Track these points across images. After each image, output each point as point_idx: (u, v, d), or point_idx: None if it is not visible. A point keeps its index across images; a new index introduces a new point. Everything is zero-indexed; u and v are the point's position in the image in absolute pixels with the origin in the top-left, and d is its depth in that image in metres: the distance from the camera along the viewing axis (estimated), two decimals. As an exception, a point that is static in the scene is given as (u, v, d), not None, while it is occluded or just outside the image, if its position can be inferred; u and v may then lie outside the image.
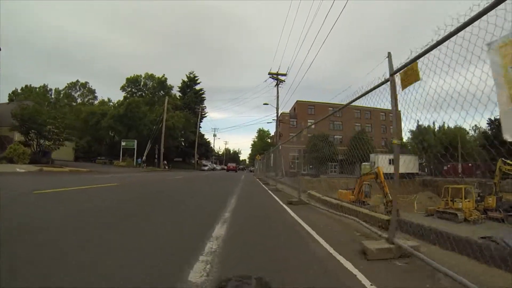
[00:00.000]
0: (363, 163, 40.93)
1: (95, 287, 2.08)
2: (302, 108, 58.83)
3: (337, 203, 7.86)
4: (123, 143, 35.43)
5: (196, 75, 66.13)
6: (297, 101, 59.61)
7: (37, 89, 56.45)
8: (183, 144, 56.19)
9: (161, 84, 46.03)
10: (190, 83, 64.92)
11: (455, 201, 17.99)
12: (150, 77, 47.10)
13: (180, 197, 8.57)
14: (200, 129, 66.67)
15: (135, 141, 35.34)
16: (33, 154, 21.79)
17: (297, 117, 57.64)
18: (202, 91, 66.12)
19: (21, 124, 23.03)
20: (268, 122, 39.02)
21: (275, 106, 33.93)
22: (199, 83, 66.42)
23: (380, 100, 4.11)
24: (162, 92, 45.58)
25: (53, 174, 15.82)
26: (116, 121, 37.35)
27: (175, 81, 67.42)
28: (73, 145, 38.62)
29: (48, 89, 59.14)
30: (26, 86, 53.87)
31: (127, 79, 46.88)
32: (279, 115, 33.87)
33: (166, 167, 37.93)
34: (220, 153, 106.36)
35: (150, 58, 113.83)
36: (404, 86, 3.15)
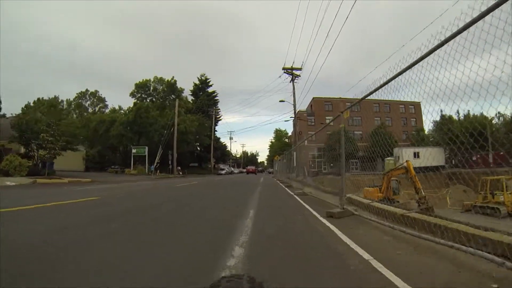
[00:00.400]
0: (387, 158, 37.61)
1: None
2: (319, 105, 55.94)
3: (400, 212, 5.11)
4: (133, 150, 33.63)
5: (208, 77, 64.34)
6: (313, 98, 56.61)
7: (46, 101, 56.08)
8: (198, 149, 54.25)
9: (171, 87, 44.08)
10: (202, 85, 63.05)
11: (495, 194, 16.16)
12: (159, 80, 45.38)
13: (177, 217, 5.93)
14: (216, 132, 64.91)
15: (146, 147, 33.41)
16: (33, 166, 20.10)
17: (314, 114, 54.68)
18: (215, 94, 64.14)
19: (20, 134, 21.42)
20: (285, 120, 37.05)
21: (292, 103, 31.14)
22: (211, 85, 64.56)
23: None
24: (172, 96, 43.75)
25: (44, 187, 13.79)
26: (126, 128, 35.61)
27: (186, 85, 65.76)
28: (82, 154, 37.21)
29: (60, 100, 59.00)
30: (38, 99, 53.48)
31: (136, 85, 45.35)
32: (296, 112, 31.04)
33: (180, 173, 35.79)
34: (237, 156, 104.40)
35: (159, 63, 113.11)
36: None
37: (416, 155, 34.23)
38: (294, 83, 31.79)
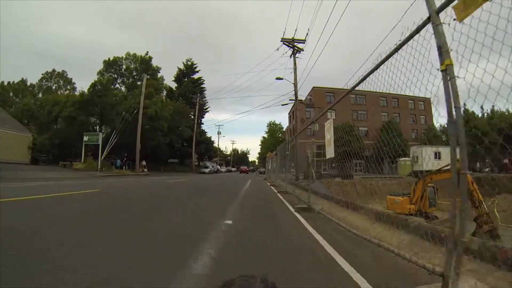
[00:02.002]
0: (401, 159, 28.70)
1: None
2: (319, 96, 48.80)
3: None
4: (85, 138, 25.90)
5: (194, 62, 56.72)
6: (313, 87, 49.58)
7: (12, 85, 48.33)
8: (179, 142, 46.56)
9: (145, 64, 36.13)
10: (187, 71, 55.44)
11: None
12: (133, 58, 37.50)
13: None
14: (202, 126, 57.28)
15: (100, 134, 25.60)
16: None
17: (314, 106, 47.57)
18: (201, 80, 56.55)
19: None
20: (283, 104, 29.96)
21: (292, 82, 23.92)
22: (197, 72, 56.95)
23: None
24: (147, 75, 36.02)
25: None
26: (79, 110, 27.74)
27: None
28: (28, 143, 29.31)
29: (29, 84, 50.85)
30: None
31: (105, 62, 37.24)
32: (297, 93, 23.79)
33: (145, 170, 27.95)
34: (227, 153, 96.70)
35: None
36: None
37: (437, 155, 27.53)
38: (296, 58, 24.72)
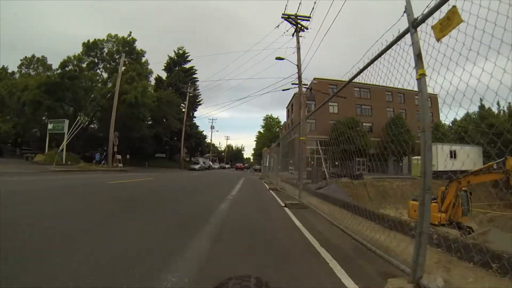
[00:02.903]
0: (415, 157, 26.65)
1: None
2: (321, 88, 45.26)
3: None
4: (49, 126, 21.98)
5: (186, 51, 52.63)
6: (314, 78, 45.88)
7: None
8: (167, 135, 42.64)
9: (129, 46, 31.98)
10: (178, 59, 51.38)
11: None
12: (115, 40, 33.33)
13: None
14: (194, 119, 53.31)
15: (66, 121, 21.60)
16: None
17: (315, 98, 44.03)
18: (193, 70, 52.51)
19: None
20: (284, 90, 25.88)
21: (295, 63, 20.23)
22: (189, 61, 52.90)
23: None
24: (130, 60, 31.92)
25: None
26: (46, 93, 23.64)
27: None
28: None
29: (11, 72, 46.52)
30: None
31: (84, 45, 32.90)
32: (301, 76, 20.11)
33: (120, 165, 23.97)
34: (221, 149, 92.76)
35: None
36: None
37: (453, 155, 24.32)
38: (299, 37, 21.04)
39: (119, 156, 23.50)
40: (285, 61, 20.70)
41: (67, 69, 24.41)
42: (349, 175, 17.20)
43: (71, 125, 21.65)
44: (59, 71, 24.93)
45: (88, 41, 33.62)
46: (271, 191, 11.81)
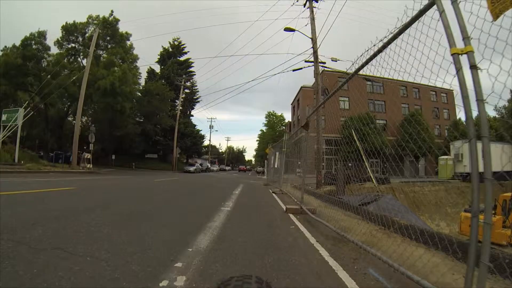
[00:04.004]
0: (442, 157, 25.35)
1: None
2: (329, 81, 41.16)
3: None
4: (3, 117, 17.60)
5: (182, 42, 48.22)
6: (322, 71, 41.37)
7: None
8: (158, 134, 38.20)
9: (111, 28, 27.55)
10: (173, 51, 46.95)
11: None
12: (97, 22, 28.87)
13: None
14: (192, 118, 48.85)
15: (21, 110, 17.14)
16: None
17: (324, 92, 39.86)
18: (190, 63, 48.07)
19: None
20: (294, 70, 21.13)
21: (309, 36, 15.79)
22: (186, 53, 48.52)
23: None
24: (112, 43, 27.46)
25: None
26: (3, 77, 19.11)
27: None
28: None
29: None
30: None
31: (63, 28, 28.50)
32: (317, 51, 15.65)
33: (87, 166, 19.12)
34: (222, 150, 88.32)
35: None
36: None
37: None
38: (313, 7, 16.65)
39: (88, 155, 18.95)
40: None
41: (30, 48, 19.93)
42: (375, 178, 13.86)
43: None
44: (19, 48, 20.44)
45: (67, 23, 29.28)
46: (282, 204, 7.15)
